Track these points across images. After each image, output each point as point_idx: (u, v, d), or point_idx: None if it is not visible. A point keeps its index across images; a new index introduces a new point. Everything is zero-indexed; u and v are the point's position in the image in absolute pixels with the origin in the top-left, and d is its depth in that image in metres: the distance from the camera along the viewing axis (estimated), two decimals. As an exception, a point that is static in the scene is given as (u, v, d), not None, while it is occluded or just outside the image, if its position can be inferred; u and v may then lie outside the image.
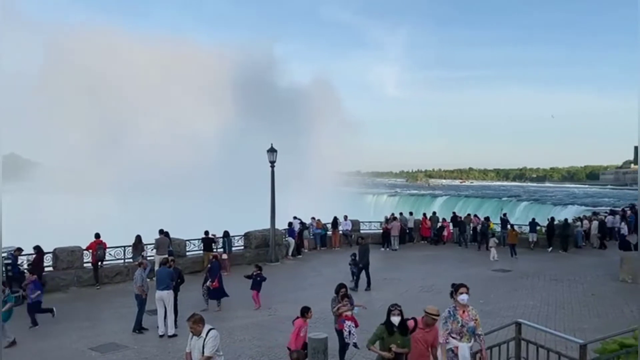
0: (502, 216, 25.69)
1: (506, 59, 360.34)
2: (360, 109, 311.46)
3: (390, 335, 6.64)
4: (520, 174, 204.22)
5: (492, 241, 21.64)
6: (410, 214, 27.52)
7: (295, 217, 23.65)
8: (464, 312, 6.45)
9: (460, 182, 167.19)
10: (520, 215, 44.59)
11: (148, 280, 12.57)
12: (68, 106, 72.84)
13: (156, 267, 16.51)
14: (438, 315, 6.59)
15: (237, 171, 51.44)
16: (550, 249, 23.09)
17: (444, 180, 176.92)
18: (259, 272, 13.98)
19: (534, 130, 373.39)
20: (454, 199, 65.75)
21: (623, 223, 23.82)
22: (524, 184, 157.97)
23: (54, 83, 73.29)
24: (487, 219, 25.45)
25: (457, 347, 6.39)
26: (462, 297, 6.44)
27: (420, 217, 27.34)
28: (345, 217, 25.49)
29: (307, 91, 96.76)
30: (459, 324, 6.39)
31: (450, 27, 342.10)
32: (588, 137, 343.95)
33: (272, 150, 21.06)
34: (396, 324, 6.64)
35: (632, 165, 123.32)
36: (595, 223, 24.73)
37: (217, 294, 13.79)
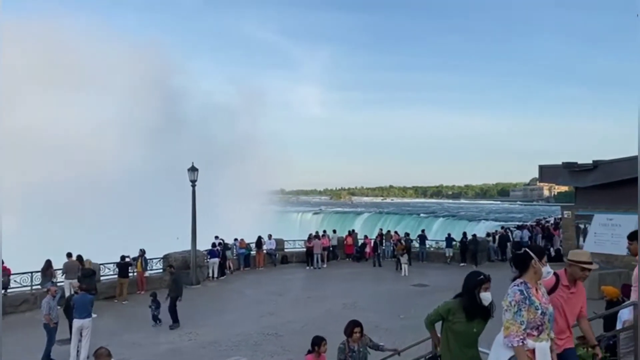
0: (421, 232, 26.66)
1: (423, 83, 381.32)
2: (283, 127, 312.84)
3: (468, 320, 4.40)
4: (437, 191, 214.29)
5: (404, 258, 22.23)
6: (334, 231, 27.82)
7: (216, 237, 23.14)
8: (537, 290, 3.83)
9: (382, 200, 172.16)
10: (437, 231, 46.43)
11: (59, 307, 11.78)
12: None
13: (67, 293, 15.50)
14: (591, 264, 4.33)
15: (156, 190, 49.27)
16: (464, 263, 24.19)
17: (366, 198, 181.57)
18: None
19: (450, 150, 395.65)
20: (376, 215, 67.36)
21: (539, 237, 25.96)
22: (441, 200, 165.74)
23: None
24: (407, 234, 26.27)
25: (532, 350, 3.67)
26: (548, 269, 3.96)
27: (344, 234, 27.73)
28: (270, 236, 25.26)
29: (229, 108, 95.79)
30: (538, 311, 3.72)
31: (368, 52, 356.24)
32: (499, 156, 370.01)
33: (193, 169, 20.52)
34: (486, 303, 4.43)
35: (538, 183, 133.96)
36: (495, 237, 26.32)
37: None
